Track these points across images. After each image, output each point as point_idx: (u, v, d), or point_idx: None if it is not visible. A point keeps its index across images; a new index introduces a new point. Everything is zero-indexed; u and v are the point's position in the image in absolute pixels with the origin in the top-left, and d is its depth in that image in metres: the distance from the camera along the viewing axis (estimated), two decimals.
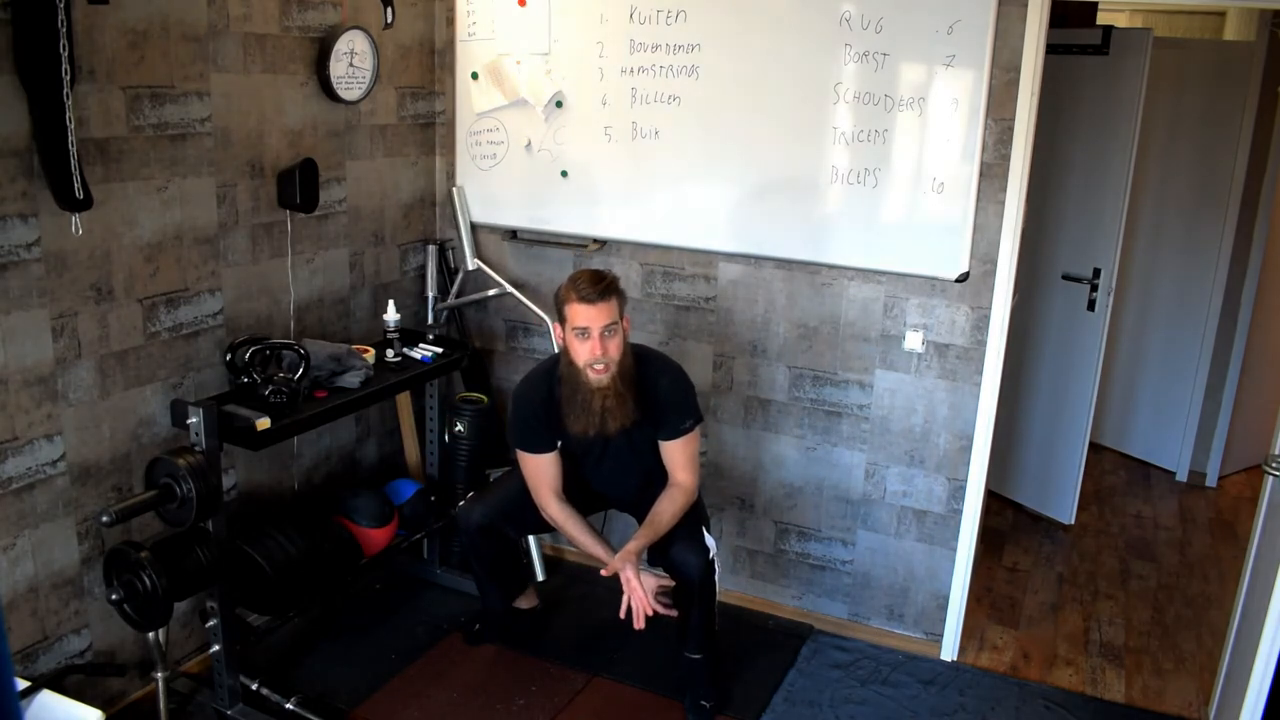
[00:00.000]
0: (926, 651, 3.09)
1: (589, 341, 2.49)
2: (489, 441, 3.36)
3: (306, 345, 2.68)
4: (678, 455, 2.65)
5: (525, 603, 3.09)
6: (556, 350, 2.74)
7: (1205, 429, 4.51)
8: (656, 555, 2.69)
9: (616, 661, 2.98)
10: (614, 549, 2.63)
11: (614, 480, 2.80)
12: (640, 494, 2.74)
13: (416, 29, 3.25)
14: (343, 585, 2.97)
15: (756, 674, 2.94)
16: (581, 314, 2.48)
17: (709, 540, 2.67)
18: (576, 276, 2.55)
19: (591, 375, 2.52)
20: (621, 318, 2.55)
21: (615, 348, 2.52)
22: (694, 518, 2.69)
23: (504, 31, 3.22)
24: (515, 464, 2.83)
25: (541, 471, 2.69)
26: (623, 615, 2.53)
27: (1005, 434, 3.93)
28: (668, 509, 2.61)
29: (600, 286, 2.50)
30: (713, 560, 2.65)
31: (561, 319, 2.56)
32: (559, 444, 2.71)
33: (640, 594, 2.52)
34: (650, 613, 2.53)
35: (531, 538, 3.36)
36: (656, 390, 2.63)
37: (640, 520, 2.67)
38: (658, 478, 2.70)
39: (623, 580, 2.54)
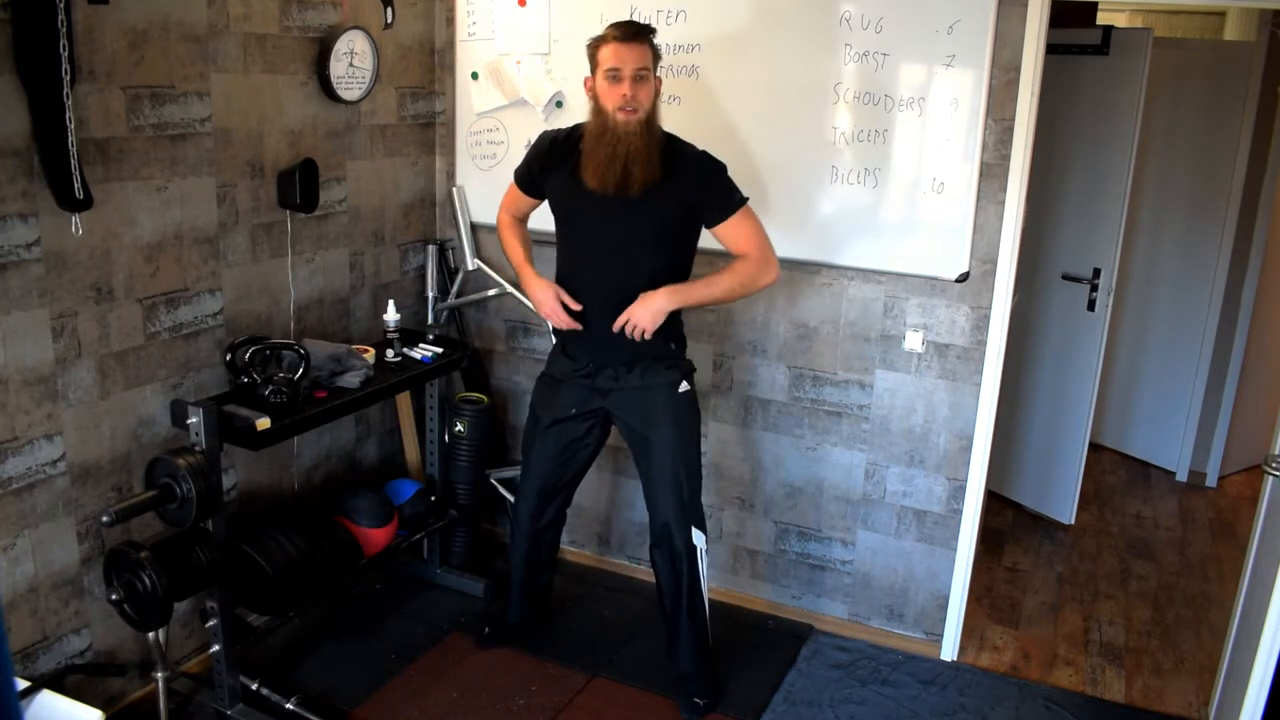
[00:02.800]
0: (926, 651, 3.09)
1: (620, 84, 2.37)
2: (489, 441, 3.36)
3: (306, 345, 2.68)
4: (735, 238, 2.50)
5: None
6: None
7: (1205, 429, 4.51)
8: (648, 501, 2.66)
9: (616, 661, 2.98)
10: (538, 274, 2.64)
11: (610, 262, 2.56)
12: (619, 304, 2.53)
13: (416, 29, 3.25)
14: (343, 585, 2.97)
15: (756, 674, 2.95)
16: (614, 53, 2.37)
17: (699, 541, 2.64)
18: (613, 22, 2.46)
19: (620, 117, 2.38)
20: (655, 73, 2.44)
21: (646, 95, 2.40)
22: (691, 488, 2.63)
23: (504, 31, 3.22)
24: (523, 455, 2.83)
25: (516, 198, 2.72)
26: (615, 327, 2.51)
27: (1005, 434, 3.93)
28: (732, 271, 2.50)
29: (636, 28, 2.41)
30: (699, 551, 2.62)
31: (593, 66, 2.44)
32: (543, 196, 2.67)
33: (639, 327, 2.48)
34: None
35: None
36: (685, 167, 2.48)
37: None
38: (651, 282, 2.52)
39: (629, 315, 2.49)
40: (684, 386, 2.64)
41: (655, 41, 2.46)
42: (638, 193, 2.44)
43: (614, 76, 2.39)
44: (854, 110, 2.81)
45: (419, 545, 3.31)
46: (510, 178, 2.72)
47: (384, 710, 2.71)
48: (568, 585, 3.38)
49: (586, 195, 2.49)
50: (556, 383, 2.72)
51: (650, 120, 2.43)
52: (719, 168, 2.52)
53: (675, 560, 2.65)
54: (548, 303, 2.58)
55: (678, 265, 2.60)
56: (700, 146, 2.52)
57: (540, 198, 2.69)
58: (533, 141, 2.70)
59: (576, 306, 2.57)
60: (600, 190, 2.46)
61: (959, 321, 2.86)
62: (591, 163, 2.45)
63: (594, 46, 2.45)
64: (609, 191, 2.45)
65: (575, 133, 2.56)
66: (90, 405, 2.41)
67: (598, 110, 2.45)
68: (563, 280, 2.65)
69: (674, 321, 2.60)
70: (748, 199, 2.52)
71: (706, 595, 2.71)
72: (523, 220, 2.79)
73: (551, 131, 2.65)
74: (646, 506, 2.71)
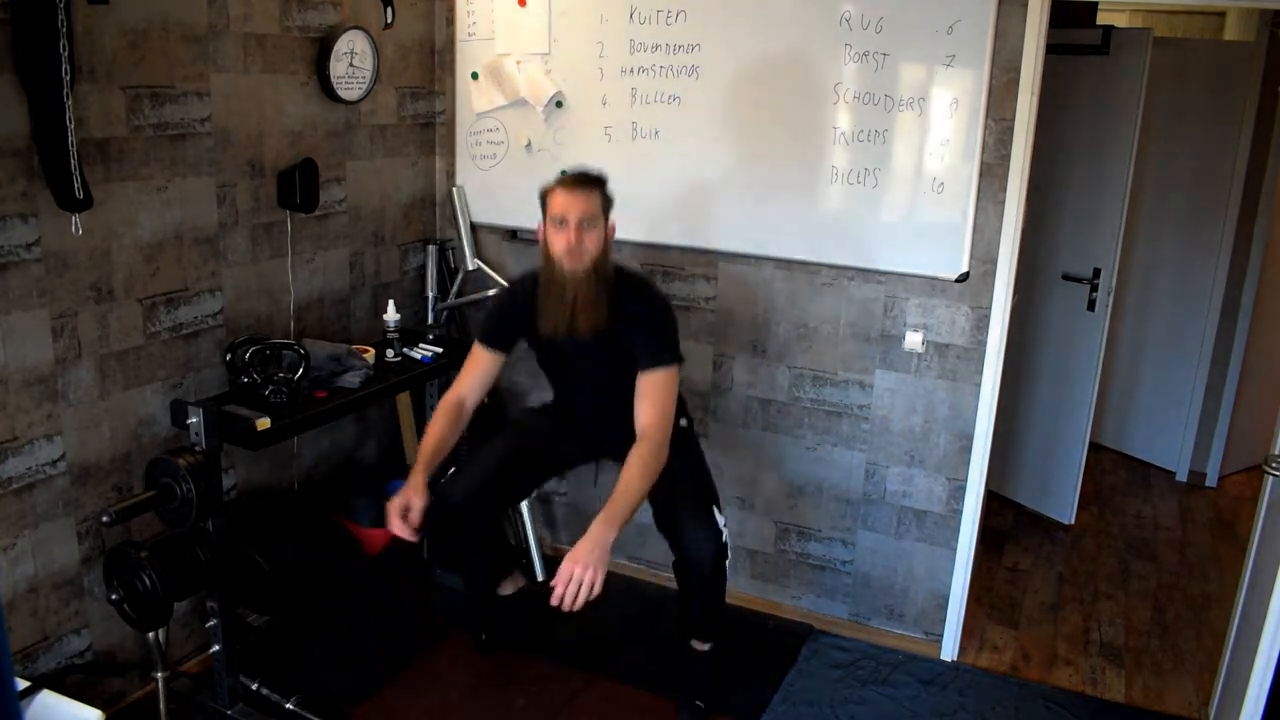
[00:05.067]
0: (926, 651, 3.09)
1: (565, 231, 2.41)
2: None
3: (306, 345, 2.68)
4: (647, 392, 2.46)
5: (510, 587, 3.04)
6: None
7: (1205, 429, 4.51)
8: (665, 534, 2.59)
9: (616, 661, 2.98)
10: (424, 482, 2.43)
11: (584, 390, 2.68)
12: (616, 419, 2.55)
13: (416, 29, 3.26)
14: (343, 585, 2.97)
15: (756, 674, 2.94)
16: (560, 201, 2.42)
17: (720, 520, 2.55)
18: (564, 173, 2.50)
19: (566, 264, 2.42)
20: (605, 220, 2.48)
21: (593, 242, 2.43)
22: (701, 493, 2.60)
23: (504, 31, 3.22)
24: (495, 434, 2.83)
25: (474, 365, 2.63)
26: (555, 602, 2.20)
27: (1005, 434, 3.93)
28: (633, 467, 2.38)
29: (584, 178, 2.45)
30: (726, 544, 2.53)
31: (544, 212, 2.49)
32: (514, 348, 2.64)
33: (575, 588, 2.19)
34: (578, 607, 2.21)
35: (531, 537, 3.36)
36: (634, 310, 2.51)
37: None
38: (631, 406, 2.51)
39: (567, 571, 2.21)
40: (682, 422, 2.67)
41: (607, 190, 2.49)
42: (587, 338, 2.49)
43: (560, 223, 2.43)
44: (854, 110, 2.81)
45: (419, 545, 3.31)
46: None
47: (384, 710, 2.71)
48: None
49: (546, 341, 2.57)
50: (548, 412, 2.78)
51: (598, 266, 2.46)
52: (665, 322, 2.54)
53: (704, 570, 2.56)
54: (393, 509, 2.40)
55: None
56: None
57: (508, 351, 2.65)
58: (491, 302, 2.73)
59: (405, 532, 2.41)
60: (553, 336, 2.52)
61: (959, 321, 2.86)
62: (544, 310, 2.51)
63: (544, 194, 2.50)
64: (560, 337, 2.51)
65: (530, 283, 2.59)
66: (90, 405, 2.41)
67: (547, 257, 2.49)
68: (557, 394, 2.80)
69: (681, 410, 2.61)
70: (680, 362, 2.53)
71: (729, 574, 2.64)
72: (463, 410, 2.59)
73: (512, 284, 2.71)
74: (666, 537, 2.60)
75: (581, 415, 2.76)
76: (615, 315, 2.49)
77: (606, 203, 2.50)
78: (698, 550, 2.52)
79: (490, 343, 2.62)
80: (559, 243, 2.43)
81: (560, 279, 2.45)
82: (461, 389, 2.61)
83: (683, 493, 2.57)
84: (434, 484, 2.53)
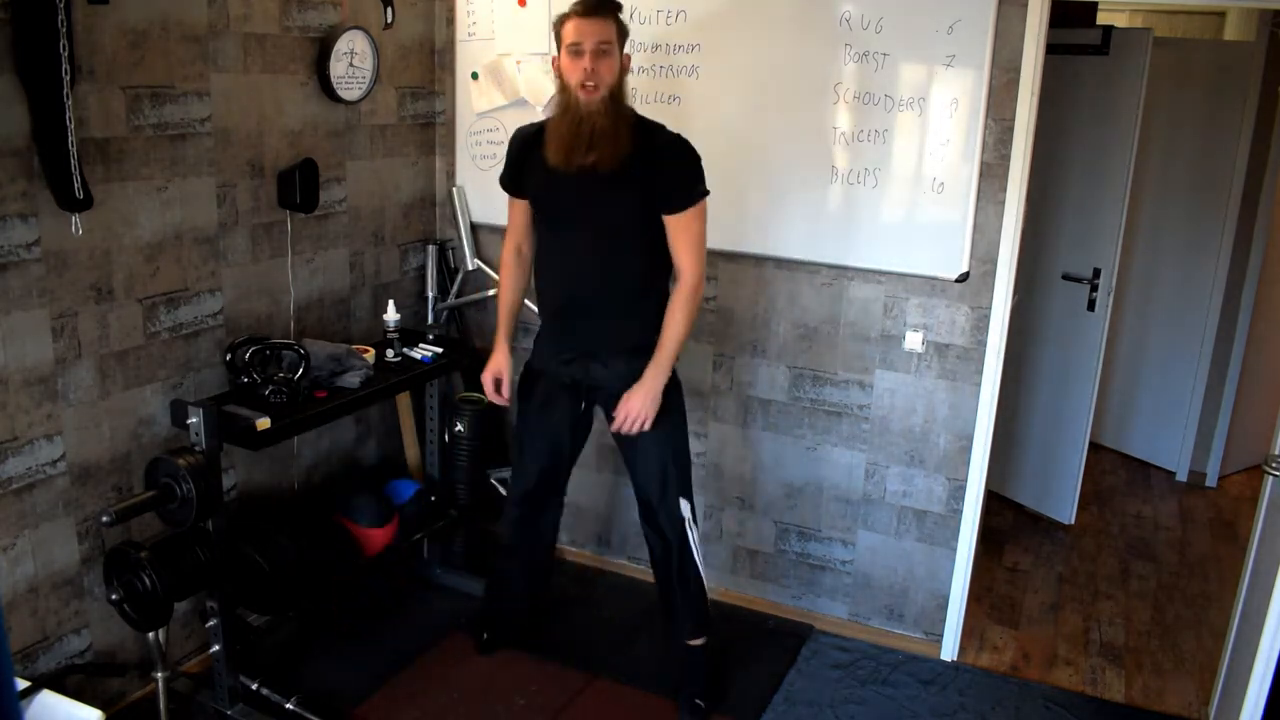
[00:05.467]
0: (926, 651, 3.09)
1: (581, 59, 2.32)
2: (489, 441, 3.36)
3: (306, 345, 2.68)
4: (682, 234, 2.44)
5: None
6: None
7: (1205, 429, 4.51)
8: (634, 481, 2.69)
9: (616, 661, 2.98)
10: (508, 350, 2.74)
11: (585, 249, 2.52)
12: (609, 305, 2.54)
13: (416, 29, 3.26)
14: (343, 585, 2.97)
15: (756, 674, 2.95)
16: (575, 28, 2.33)
17: (683, 505, 2.63)
18: None
19: (582, 96, 2.33)
20: (621, 49, 2.39)
21: (608, 69, 2.34)
22: (674, 477, 2.62)
23: (504, 31, 3.22)
24: (514, 458, 2.84)
25: (514, 212, 2.68)
26: (613, 430, 2.57)
27: (1005, 434, 3.93)
28: (676, 313, 2.47)
29: (599, 2, 2.35)
30: (687, 530, 2.63)
31: (558, 43, 2.38)
32: (530, 188, 2.60)
33: (632, 422, 2.51)
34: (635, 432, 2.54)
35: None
36: (656, 149, 2.42)
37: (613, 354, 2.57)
38: (635, 267, 2.50)
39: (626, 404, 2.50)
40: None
41: (621, 17, 2.40)
42: (606, 170, 2.38)
43: (575, 51, 2.34)
44: (854, 110, 2.81)
45: (419, 545, 3.31)
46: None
47: (384, 710, 2.71)
48: (568, 585, 3.38)
49: (555, 177, 2.45)
50: (537, 375, 2.72)
51: (615, 97, 2.38)
52: (692, 155, 2.46)
53: (664, 532, 2.65)
54: (487, 380, 2.77)
55: (661, 254, 2.50)
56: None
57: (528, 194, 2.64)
58: (508, 141, 2.65)
59: (501, 399, 2.78)
60: (564, 169, 2.40)
61: (959, 321, 2.86)
62: (554, 140, 2.41)
63: (558, 23, 2.40)
64: (572, 171, 2.40)
65: (539, 125, 2.55)
66: (90, 405, 2.41)
67: (562, 88, 2.40)
68: (541, 273, 2.66)
69: (656, 310, 2.52)
70: (708, 193, 2.47)
71: (701, 566, 2.69)
72: (522, 254, 2.71)
73: (523, 126, 2.62)
74: (632, 484, 2.70)
75: (570, 309, 2.61)
76: (633, 152, 2.39)
77: (622, 30, 2.41)
78: (663, 531, 2.64)
79: (512, 189, 2.66)
80: (574, 72, 2.34)
81: (576, 109, 2.36)
82: (515, 236, 2.71)
83: (654, 470, 2.62)
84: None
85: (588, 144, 2.36)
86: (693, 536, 2.66)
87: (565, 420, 2.71)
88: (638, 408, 2.50)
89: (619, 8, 2.41)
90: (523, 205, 2.66)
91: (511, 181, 2.64)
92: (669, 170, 2.43)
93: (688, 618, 2.72)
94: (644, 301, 2.54)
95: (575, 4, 2.36)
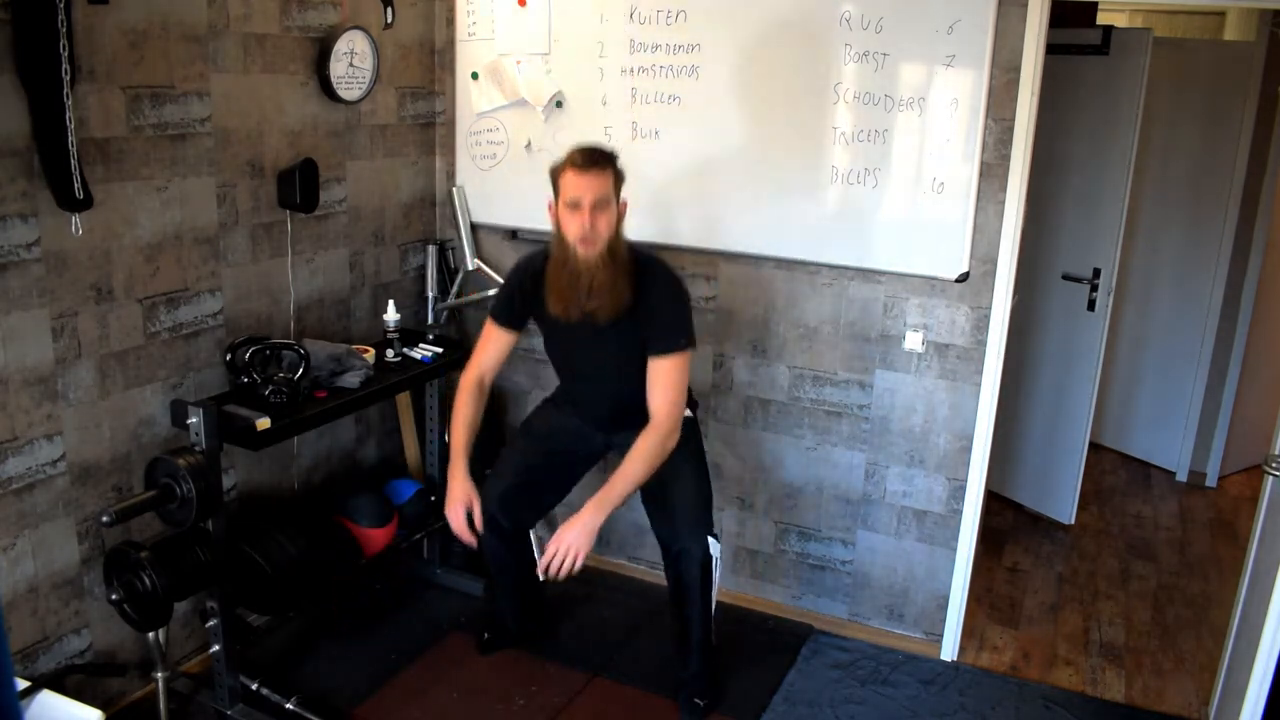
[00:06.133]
0: (926, 651, 3.09)
1: (579, 214, 2.36)
2: (489, 441, 3.36)
3: (306, 345, 2.68)
4: (660, 379, 2.45)
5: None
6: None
7: (1205, 429, 4.51)
8: (657, 529, 2.63)
9: (616, 661, 2.98)
10: (470, 479, 2.53)
11: (594, 377, 2.65)
12: (626, 408, 2.56)
13: (416, 29, 3.26)
14: (343, 585, 2.97)
15: (756, 674, 2.94)
16: (573, 183, 2.36)
17: (712, 541, 2.59)
18: (574, 147, 2.43)
19: (580, 250, 2.38)
20: (618, 198, 2.43)
21: (606, 224, 2.39)
22: (698, 496, 2.61)
23: (504, 31, 3.22)
24: (506, 446, 2.83)
25: (489, 343, 2.62)
26: (541, 572, 2.42)
27: (1005, 434, 3.93)
28: (637, 455, 2.42)
29: (595, 156, 2.38)
30: (713, 556, 2.56)
31: (555, 192, 2.43)
32: (525, 325, 2.64)
33: (560, 561, 2.37)
34: (561, 577, 2.40)
35: (532, 535, 3.35)
36: (650, 292, 2.47)
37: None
38: (642, 395, 2.52)
39: (561, 535, 2.38)
40: (686, 413, 2.64)
41: (619, 167, 2.45)
42: (603, 323, 2.45)
43: (574, 206, 2.38)
44: (854, 110, 2.81)
45: (419, 545, 3.32)
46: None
47: (384, 710, 2.71)
48: (568, 585, 3.37)
49: (557, 323, 2.53)
50: (559, 407, 2.76)
51: (613, 248, 2.42)
52: (679, 306, 2.52)
53: (692, 574, 2.58)
54: (454, 515, 2.53)
55: None
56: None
57: (520, 329, 2.66)
58: (504, 280, 2.71)
59: (471, 538, 2.56)
60: (565, 319, 2.48)
61: (959, 321, 2.86)
62: (554, 291, 2.47)
63: (555, 173, 2.44)
64: (574, 320, 2.47)
65: (540, 262, 2.56)
66: (90, 405, 2.41)
67: (560, 239, 2.45)
68: (558, 372, 2.77)
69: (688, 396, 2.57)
70: (692, 347, 2.52)
71: (715, 598, 2.68)
72: (483, 387, 2.65)
73: (524, 261, 2.66)
74: (653, 526, 2.66)
75: (590, 404, 2.73)
76: (631, 299, 2.46)
77: (618, 181, 2.45)
78: (688, 553, 2.55)
79: (503, 321, 2.62)
80: (573, 227, 2.39)
81: (574, 263, 2.41)
82: (479, 366, 2.63)
83: (680, 491, 2.57)
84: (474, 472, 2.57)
85: (586, 296, 2.42)
86: (716, 576, 2.61)
87: (579, 436, 2.73)
88: (570, 542, 2.38)
89: (615, 158, 2.45)
90: (505, 339, 2.64)
91: (506, 316, 2.63)
92: (657, 317, 2.48)
93: (699, 649, 2.68)
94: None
95: (573, 156, 2.40)
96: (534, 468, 2.75)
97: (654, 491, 2.59)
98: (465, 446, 2.56)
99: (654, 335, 2.47)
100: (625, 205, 2.49)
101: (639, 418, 2.49)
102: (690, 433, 2.65)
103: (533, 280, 2.56)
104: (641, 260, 2.52)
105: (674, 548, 2.58)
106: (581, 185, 2.37)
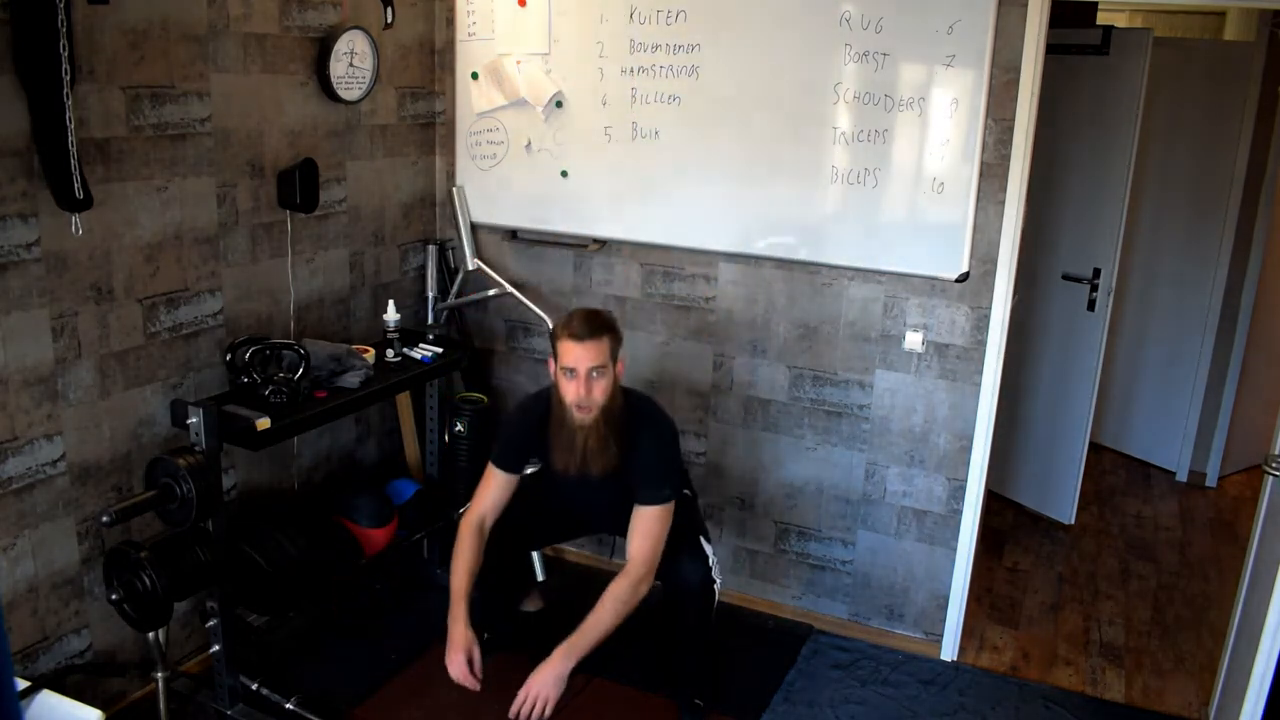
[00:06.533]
0: (926, 651, 3.09)
1: (575, 381, 2.43)
2: (489, 441, 3.35)
3: (306, 345, 2.68)
4: (641, 526, 2.49)
5: (531, 605, 3.09)
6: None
7: (1205, 429, 4.51)
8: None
9: (616, 661, 2.97)
10: (470, 627, 2.46)
11: (597, 517, 2.82)
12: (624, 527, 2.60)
13: (416, 29, 3.26)
14: (343, 585, 2.97)
15: (756, 674, 2.94)
16: (570, 352, 2.43)
17: (708, 549, 2.62)
18: (573, 313, 2.52)
19: (576, 414, 2.47)
20: (615, 361, 2.50)
21: (601, 391, 2.45)
22: (691, 527, 2.65)
23: (504, 31, 3.22)
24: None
25: (492, 487, 2.62)
26: (510, 716, 2.37)
27: (1005, 434, 3.93)
28: (608, 603, 2.42)
29: (592, 325, 2.45)
30: (712, 572, 2.59)
31: (554, 353, 2.49)
32: (535, 469, 2.70)
33: (530, 707, 2.34)
34: None
35: (535, 556, 3.35)
36: (639, 447, 2.54)
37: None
38: None
39: (530, 688, 2.36)
40: (686, 493, 2.72)
41: (618, 331, 2.52)
42: (598, 477, 2.53)
43: (570, 373, 2.44)
44: (854, 110, 2.81)
45: (419, 545, 3.31)
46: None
47: (384, 710, 2.71)
48: (568, 585, 3.38)
49: (557, 472, 2.60)
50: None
51: (608, 412, 2.48)
52: (667, 456, 2.57)
53: (692, 592, 2.60)
54: (455, 665, 2.46)
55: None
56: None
57: (521, 472, 2.66)
58: (504, 423, 2.78)
59: (476, 685, 2.48)
60: (564, 473, 2.56)
61: (959, 321, 2.86)
62: (556, 449, 2.55)
63: (554, 337, 2.50)
64: (572, 474, 2.55)
65: (542, 409, 2.59)
66: (90, 405, 2.40)
67: (558, 399, 2.51)
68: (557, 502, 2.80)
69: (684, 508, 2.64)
70: (676, 498, 2.54)
71: (717, 601, 2.68)
72: (484, 531, 2.61)
73: (527, 406, 2.69)
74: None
75: (581, 519, 2.88)
76: (623, 452, 2.53)
77: (616, 345, 2.50)
78: (686, 577, 2.57)
79: (505, 466, 2.63)
80: (569, 392, 2.45)
81: (570, 424, 2.49)
82: (480, 511, 2.62)
83: (675, 542, 2.58)
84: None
85: (581, 457, 2.51)
86: (717, 586, 2.63)
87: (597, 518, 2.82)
88: (538, 690, 2.35)
89: (613, 324, 2.50)
90: (508, 484, 2.64)
91: (511, 462, 2.64)
92: (644, 468, 2.53)
93: (691, 661, 2.70)
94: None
95: (571, 325, 2.45)
96: (546, 511, 2.80)
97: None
98: (465, 591, 2.51)
99: (640, 485, 2.52)
100: (623, 366, 2.56)
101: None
102: (690, 507, 2.73)
103: (538, 429, 2.60)
104: (633, 406, 2.58)
105: (671, 580, 2.61)
106: (578, 354, 2.42)
